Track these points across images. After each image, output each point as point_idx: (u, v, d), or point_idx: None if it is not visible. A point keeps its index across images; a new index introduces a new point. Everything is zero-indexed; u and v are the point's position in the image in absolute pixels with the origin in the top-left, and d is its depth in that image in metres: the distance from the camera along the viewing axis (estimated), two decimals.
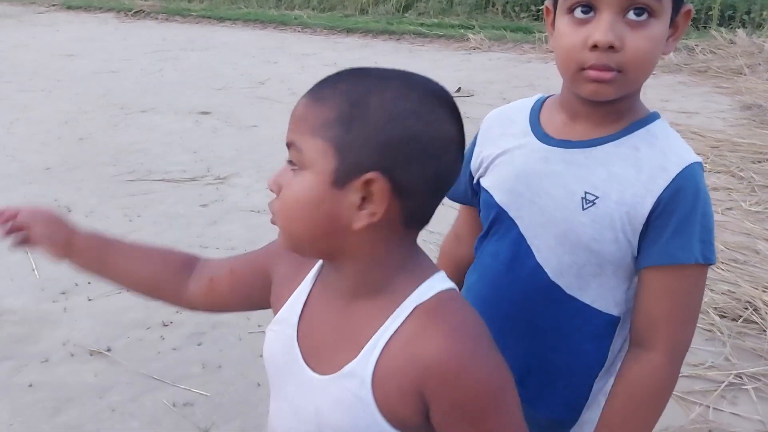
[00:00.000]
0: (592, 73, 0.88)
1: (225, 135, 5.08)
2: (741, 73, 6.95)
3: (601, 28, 0.86)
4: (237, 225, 3.51)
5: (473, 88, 6.65)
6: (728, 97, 6.17)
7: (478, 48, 9.11)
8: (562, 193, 0.96)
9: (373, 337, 0.74)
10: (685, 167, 0.90)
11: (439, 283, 0.77)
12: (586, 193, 0.94)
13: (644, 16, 0.87)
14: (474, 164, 1.10)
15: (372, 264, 0.75)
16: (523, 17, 10.88)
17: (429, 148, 0.71)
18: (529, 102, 1.09)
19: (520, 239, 1.00)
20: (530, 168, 0.99)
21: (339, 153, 0.70)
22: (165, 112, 5.74)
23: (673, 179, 0.89)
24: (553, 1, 0.96)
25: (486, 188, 1.06)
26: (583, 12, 0.89)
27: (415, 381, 0.71)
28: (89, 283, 2.86)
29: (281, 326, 0.86)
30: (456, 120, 0.77)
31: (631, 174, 0.92)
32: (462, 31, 9.81)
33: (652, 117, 0.97)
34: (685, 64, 7.63)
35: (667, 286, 0.90)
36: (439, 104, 0.75)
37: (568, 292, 0.96)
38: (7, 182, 4.04)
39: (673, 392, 0.95)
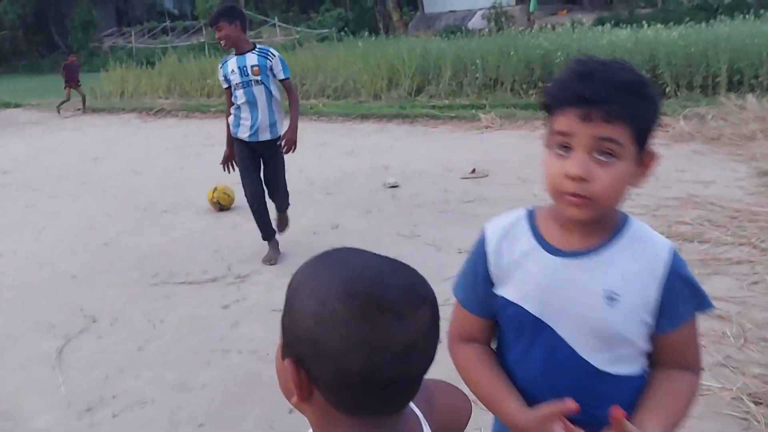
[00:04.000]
0: (567, 198, 1.08)
1: (244, 231, 5.17)
2: (754, 139, 6.97)
3: (574, 163, 1.06)
4: (258, 325, 3.52)
5: (488, 168, 6.73)
6: (744, 164, 6.16)
7: (490, 127, 9.29)
8: (589, 297, 1.13)
9: None
10: (672, 250, 1.14)
11: None
12: (609, 292, 1.12)
13: (609, 158, 1.05)
14: (493, 277, 1.22)
15: None
16: (532, 94, 11.13)
17: (324, 351, 0.71)
18: (520, 216, 1.25)
19: (561, 341, 1.17)
20: (552, 280, 1.16)
21: (282, 332, 0.77)
22: (186, 211, 5.88)
23: (669, 263, 1.13)
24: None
25: (514, 301, 1.19)
26: (562, 150, 1.08)
27: None
28: (114, 397, 2.86)
29: None
30: (376, 327, 0.71)
31: (636, 267, 1.12)
32: (473, 111, 10.04)
33: (626, 217, 1.19)
34: (697, 132, 7.68)
35: (689, 332, 1.19)
36: (357, 308, 0.70)
37: (613, 372, 1.17)
38: (36, 291, 4.13)
39: None
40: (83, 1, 35.17)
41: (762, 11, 14.52)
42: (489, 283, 1.22)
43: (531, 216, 1.23)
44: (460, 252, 4.31)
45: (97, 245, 5.02)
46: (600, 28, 13.15)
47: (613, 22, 17.41)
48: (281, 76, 4.20)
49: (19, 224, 5.79)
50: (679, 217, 4.71)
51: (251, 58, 4.13)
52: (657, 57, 10.08)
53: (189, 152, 8.96)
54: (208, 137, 10.31)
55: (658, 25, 11.53)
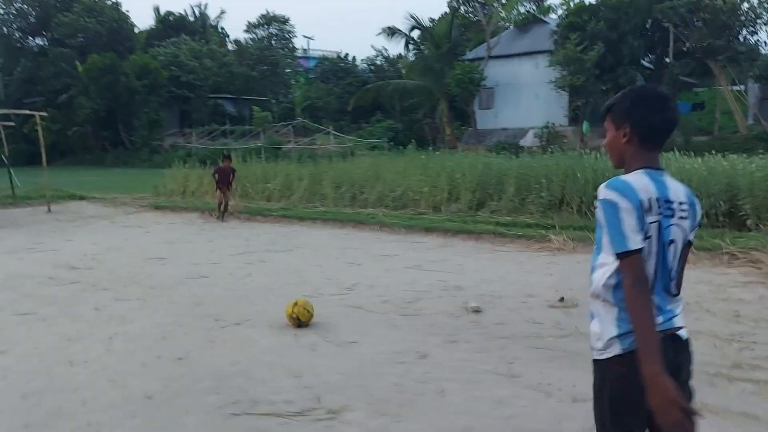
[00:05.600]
0: None
1: (326, 354, 4.85)
2: None
3: None
4: None
5: (574, 296, 6.36)
6: None
7: (562, 249, 8.98)
8: None
9: None
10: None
11: None
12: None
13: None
14: None
15: None
16: None
17: None
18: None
19: None
20: None
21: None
22: (260, 326, 5.61)
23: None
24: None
25: None
26: None
27: None
28: None
29: None
30: None
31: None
32: (542, 231, 9.79)
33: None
34: None
35: None
36: None
37: None
38: (110, 414, 3.82)
39: None
40: (153, 101, 37.22)
41: None
42: None
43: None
44: (575, 401, 3.89)
45: (170, 360, 4.75)
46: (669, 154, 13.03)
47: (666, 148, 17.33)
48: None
49: (88, 330, 5.59)
50: None
51: None
52: (736, 186, 9.78)
53: (254, 258, 8.84)
54: (271, 242, 10.25)
55: (734, 155, 11.32)
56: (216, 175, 13.40)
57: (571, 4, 29.55)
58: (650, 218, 2.01)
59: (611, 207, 1.99)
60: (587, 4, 27.50)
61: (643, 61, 27.96)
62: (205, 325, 5.67)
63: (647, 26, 26.50)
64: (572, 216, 11.08)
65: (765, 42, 25.94)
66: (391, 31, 28.92)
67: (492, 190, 12.41)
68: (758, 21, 25.91)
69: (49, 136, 30.30)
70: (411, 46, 32.25)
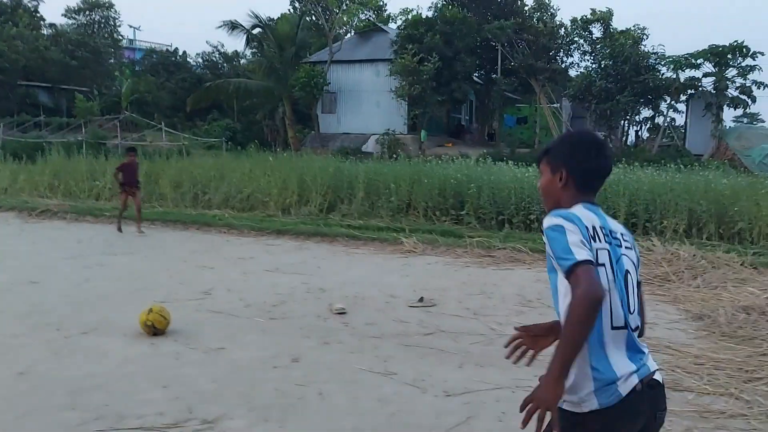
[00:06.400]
0: None
1: (192, 362, 4.55)
2: (669, 280, 7.47)
3: None
4: None
5: (430, 296, 6.60)
6: (672, 306, 6.49)
7: (413, 251, 9.29)
8: None
9: None
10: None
11: None
12: None
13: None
14: None
15: None
16: (444, 221, 11.44)
17: None
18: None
19: None
20: None
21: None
22: (111, 334, 5.12)
23: None
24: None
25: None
26: None
27: None
28: None
29: None
30: None
31: None
32: (394, 234, 10.06)
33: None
34: None
35: None
36: None
37: None
38: None
39: None
40: None
41: (622, 159, 16.40)
42: None
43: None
44: (448, 395, 4.03)
45: (9, 375, 4.16)
46: (491, 162, 14.11)
47: (492, 157, 18.75)
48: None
49: None
50: None
51: None
52: None
53: (91, 262, 8.05)
54: (108, 245, 9.42)
55: None
56: (120, 174, 10.73)
57: (409, 16, 30.80)
58: (598, 245, 1.91)
59: (557, 229, 1.87)
60: (423, 18, 28.83)
61: (474, 77, 29.93)
62: (45, 335, 5.05)
63: (478, 44, 28.41)
64: (419, 220, 11.53)
65: (577, 64, 28.73)
66: (233, 26, 28.01)
67: (343, 194, 12.52)
68: (572, 46, 28.98)
69: None
70: (252, 44, 31.49)
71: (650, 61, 26.56)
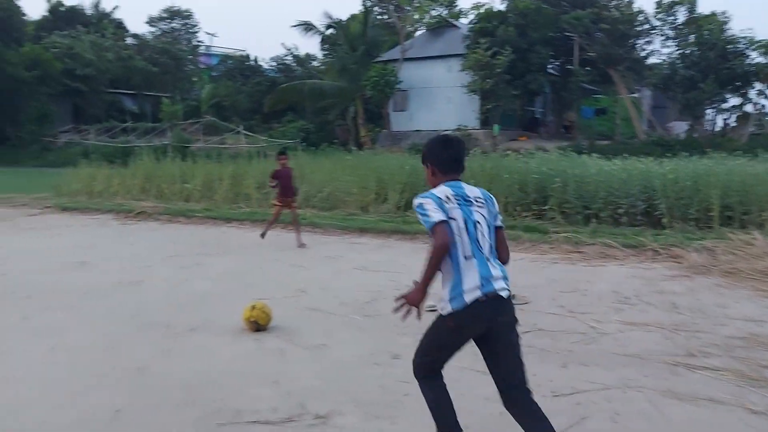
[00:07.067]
0: None
1: (297, 359, 4.66)
2: None
3: None
4: None
5: (520, 293, 6.50)
6: None
7: None
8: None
9: None
10: None
11: None
12: None
13: None
14: None
15: None
16: (526, 216, 11.23)
17: None
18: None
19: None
20: None
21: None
22: (215, 332, 5.31)
23: None
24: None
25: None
26: None
27: None
28: None
29: None
30: None
31: None
32: None
33: None
34: (711, 266, 7.75)
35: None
36: None
37: None
38: None
39: None
40: (41, 95, 34.70)
41: (708, 150, 15.63)
42: None
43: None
44: (556, 395, 3.96)
45: (129, 371, 4.39)
46: (582, 156, 13.71)
47: (571, 150, 18.25)
48: None
49: (20, 342, 5.07)
50: (764, 360, 4.54)
51: None
52: (651, 188, 10.41)
53: (188, 262, 8.38)
54: (202, 245, 9.79)
55: (649, 158, 12.06)
56: (275, 182, 9.63)
57: (481, 9, 30.45)
58: (451, 206, 2.86)
59: (420, 207, 2.87)
60: (495, 11, 28.46)
61: (549, 68, 29.28)
62: (154, 333, 5.29)
63: (553, 35, 27.77)
64: None
65: (659, 52, 27.65)
66: (307, 27, 28.55)
67: (420, 191, 12.48)
68: (652, 32, 27.84)
69: None
70: (325, 45, 32.00)
71: (738, 46, 25.18)
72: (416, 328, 5.56)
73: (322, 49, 34.19)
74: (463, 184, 2.98)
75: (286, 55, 43.82)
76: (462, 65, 26.63)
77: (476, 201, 2.95)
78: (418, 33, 32.96)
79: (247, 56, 46.32)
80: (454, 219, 2.82)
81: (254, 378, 4.27)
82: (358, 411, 3.75)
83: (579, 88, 27.64)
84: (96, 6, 45.92)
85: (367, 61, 29.19)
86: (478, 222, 2.88)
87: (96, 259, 8.58)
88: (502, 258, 2.99)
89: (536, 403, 2.95)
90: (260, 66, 45.13)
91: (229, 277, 7.50)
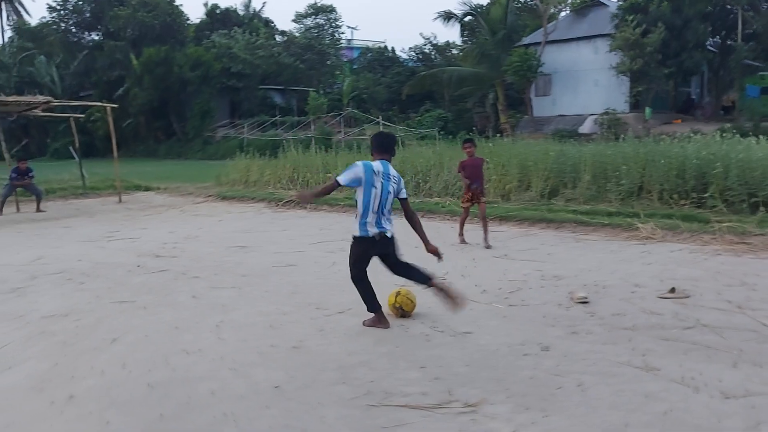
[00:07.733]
0: None
1: (443, 344, 4.70)
2: None
3: None
4: None
5: (680, 286, 6.05)
6: None
7: (651, 238, 8.61)
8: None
9: None
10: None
11: None
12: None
13: None
14: None
15: None
16: (684, 204, 10.41)
17: None
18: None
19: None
20: None
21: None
22: (363, 315, 5.47)
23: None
24: None
25: None
26: None
27: None
28: None
29: None
30: None
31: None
32: (628, 219, 9.44)
33: None
34: None
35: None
36: None
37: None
38: (243, 405, 3.74)
39: None
40: (204, 93, 37.71)
41: None
42: None
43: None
44: (727, 397, 3.64)
45: (286, 349, 4.67)
46: (742, 138, 12.40)
47: (734, 132, 16.56)
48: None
49: (193, 318, 5.57)
50: None
51: None
52: None
53: (334, 248, 8.73)
54: (346, 232, 10.13)
55: None
56: (465, 173, 8.68)
57: None
58: (377, 178, 4.87)
59: (353, 165, 4.94)
60: None
61: (707, 45, 26.86)
62: (308, 313, 5.58)
63: (712, 9, 25.40)
64: (653, 204, 10.64)
65: None
66: (447, 16, 28.47)
67: (566, 178, 12.04)
68: None
69: (103, 127, 30.98)
70: (465, 32, 31.74)
71: None
72: (566, 320, 5.42)
73: (462, 36, 33.92)
74: (389, 165, 5.04)
75: (424, 45, 44.04)
76: (610, 45, 25.16)
77: (392, 178, 4.98)
78: (562, 15, 31.62)
79: (386, 47, 47.15)
80: (375, 187, 4.87)
81: (401, 361, 4.36)
82: (507, 401, 3.69)
83: (742, 65, 25.05)
84: (247, 6, 48.95)
85: (507, 45, 28.53)
86: (389, 192, 4.96)
87: (254, 243, 9.21)
88: (410, 216, 5.28)
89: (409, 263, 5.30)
90: (398, 56, 45.76)
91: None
